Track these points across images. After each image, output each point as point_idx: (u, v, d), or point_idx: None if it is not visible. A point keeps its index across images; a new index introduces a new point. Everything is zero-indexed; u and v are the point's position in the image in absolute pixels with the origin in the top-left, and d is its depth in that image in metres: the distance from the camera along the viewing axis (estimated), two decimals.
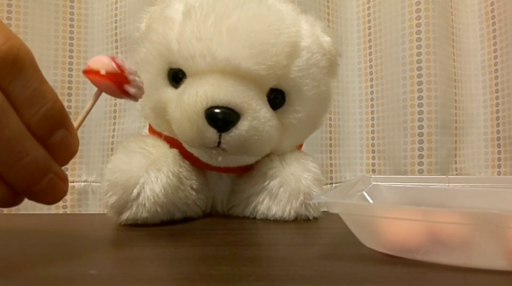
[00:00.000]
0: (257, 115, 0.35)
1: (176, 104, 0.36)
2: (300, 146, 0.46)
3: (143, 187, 0.34)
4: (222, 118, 0.34)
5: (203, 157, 0.37)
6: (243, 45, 0.34)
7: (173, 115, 0.36)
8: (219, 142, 0.34)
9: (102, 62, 0.27)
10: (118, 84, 0.27)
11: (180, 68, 0.37)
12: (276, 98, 0.38)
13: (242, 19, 0.35)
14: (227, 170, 0.40)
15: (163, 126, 0.40)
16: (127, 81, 0.27)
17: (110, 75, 0.27)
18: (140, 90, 0.29)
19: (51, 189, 0.24)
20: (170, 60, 0.38)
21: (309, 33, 0.39)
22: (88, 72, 0.27)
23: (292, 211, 0.38)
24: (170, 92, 0.38)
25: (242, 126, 0.34)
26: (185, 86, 0.36)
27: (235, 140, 0.34)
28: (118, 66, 0.27)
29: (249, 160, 0.39)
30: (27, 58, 0.22)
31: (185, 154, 0.39)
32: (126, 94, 0.28)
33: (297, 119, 0.39)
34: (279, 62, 0.36)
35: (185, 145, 0.38)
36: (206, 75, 0.35)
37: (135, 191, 0.34)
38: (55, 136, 0.23)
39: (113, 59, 0.27)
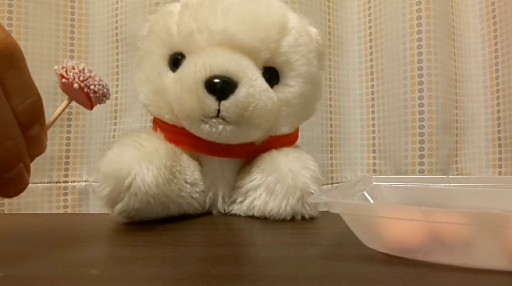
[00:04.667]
0: (253, 83, 0.37)
1: (176, 81, 0.38)
2: (296, 138, 0.47)
3: (135, 178, 0.34)
4: (221, 87, 0.36)
5: (204, 130, 0.37)
6: (237, 20, 0.38)
7: (174, 91, 0.38)
8: (219, 111, 0.36)
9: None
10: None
11: (180, 51, 0.40)
12: (271, 79, 0.40)
13: (235, 1, 0.39)
14: (227, 152, 0.41)
15: (164, 109, 0.41)
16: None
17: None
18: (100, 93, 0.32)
19: (18, 179, 0.25)
20: (171, 45, 0.41)
21: (296, 19, 0.42)
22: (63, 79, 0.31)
23: (288, 208, 0.38)
24: (170, 76, 0.40)
25: (240, 93, 0.36)
26: (183, 64, 0.39)
27: (234, 106, 0.36)
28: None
29: (249, 134, 0.39)
30: (21, 55, 0.24)
31: (184, 143, 0.40)
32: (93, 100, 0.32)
33: (292, 93, 0.41)
34: (271, 36, 0.39)
35: (185, 124, 0.39)
36: (204, 49, 0.38)
37: (126, 182, 0.34)
38: (33, 129, 0.25)
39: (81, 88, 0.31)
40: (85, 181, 0.66)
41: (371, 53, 0.68)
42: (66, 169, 0.65)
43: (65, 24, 0.65)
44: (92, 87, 0.31)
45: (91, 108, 0.33)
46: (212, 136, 0.38)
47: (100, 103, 0.33)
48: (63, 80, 0.31)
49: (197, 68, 0.36)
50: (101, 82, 0.32)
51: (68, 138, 0.65)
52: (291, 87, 0.41)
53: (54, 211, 0.63)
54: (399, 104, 0.62)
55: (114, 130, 0.65)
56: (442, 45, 0.61)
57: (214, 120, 0.37)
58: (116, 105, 0.65)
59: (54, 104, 0.63)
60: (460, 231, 0.22)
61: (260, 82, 0.38)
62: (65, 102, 0.32)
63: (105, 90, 0.32)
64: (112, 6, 0.65)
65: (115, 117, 0.65)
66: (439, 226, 0.23)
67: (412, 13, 0.61)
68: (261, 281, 0.21)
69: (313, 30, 0.44)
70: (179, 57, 0.40)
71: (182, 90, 0.37)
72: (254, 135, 0.40)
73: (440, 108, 0.60)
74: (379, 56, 0.66)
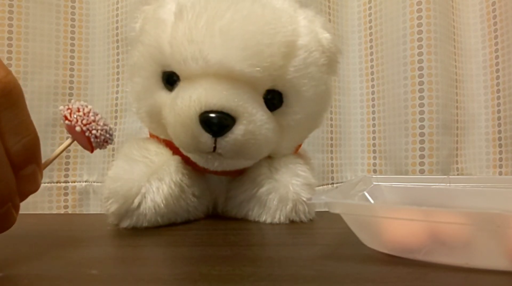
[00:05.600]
0: (253, 118, 0.34)
1: (170, 109, 0.35)
2: (299, 145, 0.45)
3: (145, 197, 0.34)
4: (217, 123, 0.33)
5: (200, 161, 0.36)
6: (236, 47, 0.33)
7: (168, 119, 0.36)
8: (215, 147, 0.34)
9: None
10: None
11: (174, 71, 0.36)
12: (274, 99, 0.37)
13: (235, 19, 0.34)
14: (225, 172, 0.40)
15: (158, 130, 0.39)
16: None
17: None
18: (103, 140, 0.32)
19: (5, 218, 0.24)
20: (163, 63, 0.37)
21: (307, 30, 0.38)
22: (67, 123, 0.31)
23: (282, 217, 0.38)
24: (164, 96, 0.37)
25: (238, 131, 0.33)
26: (178, 90, 0.36)
27: (231, 144, 0.34)
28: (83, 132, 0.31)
29: (246, 163, 0.38)
30: (20, 93, 0.24)
31: (186, 159, 0.38)
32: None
33: (295, 120, 0.38)
34: (275, 63, 0.35)
35: (181, 150, 0.37)
36: (199, 78, 0.34)
37: (136, 201, 0.34)
38: (27, 169, 0.25)
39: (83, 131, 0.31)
40: (85, 181, 0.66)
41: (371, 53, 0.68)
42: (67, 169, 0.65)
43: (65, 24, 0.65)
44: (94, 132, 0.31)
45: (91, 151, 0.33)
46: (208, 167, 0.36)
47: (100, 148, 0.33)
48: (66, 121, 0.31)
49: (191, 102, 0.33)
50: (104, 127, 0.32)
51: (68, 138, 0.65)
52: (295, 114, 0.38)
53: (54, 211, 0.63)
54: (400, 104, 0.62)
55: (115, 130, 0.65)
56: (443, 45, 0.61)
57: (210, 156, 0.35)
58: (116, 105, 0.65)
59: (54, 104, 0.63)
60: (460, 231, 0.22)
61: (261, 115, 0.35)
62: (67, 142, 0.32)
63: (107, 135, 0.32)
64: (112, 6, 0.65)
65: (116, 117, 0.65)
66: (440, 226, 0.23)
67: (413, 13, 0.61)
68: (261, 281, 0.21)
69: (325, 37, 0.39)
70: (174, 76, 0.37)
71: (176, 124, 0.34)
72: (252, 163, 0.39)
73: (440, 108, 0.60)
74: (379, 56, 0.66)
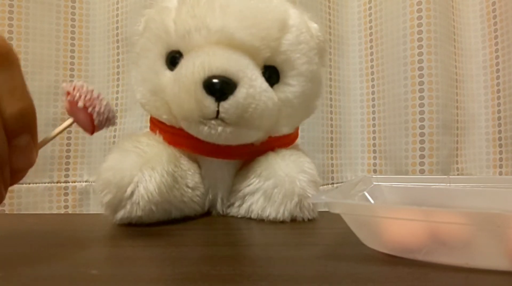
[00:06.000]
0: (253, 83, 0.36)
1: (174, 82, 0.37)
2: (296, 137, 0.46)
3: (137, 186, 0.34)
4: (220, 87, 0.35)
5: (203, 132, 0.37)
6: (236, 18, 0.36)
7: (172, 92, 0.37)
8: (218, 112, 0.35)
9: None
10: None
11: (178, 49, 0.39)
12: (271, 77, 0.39)
13: None
14: (226, 154, 0.40)
15: (162, 109, 0.40)
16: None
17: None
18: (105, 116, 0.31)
19: None
20: (168, 43, 0.39)
21: (297, 15, 0.41)
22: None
23: (286, 212, 0.38)
24: (168, 75, 0.39)
25: (240, 93, 0.35)
26: (181, 63, 0.38)
27: (234, 107, 0.35)
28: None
29: (249, 135, 0.39)
30: (17, 59, 0.23)
31: (182, 145, 0.39)
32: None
33: (293, 93, 0.40)
34: (271, 34, 0.38)
35: (183, 125, 0.38)
36: (202, 48, 0.37)
37: (129, 190, 0.34)
38: (20, 138, 0.23)
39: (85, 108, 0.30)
40: (85, 181, 0.66)
41: (371, 53, 0.68)
42: (67, 169, 0.65)
43: (65, 24, 0.65)
44: (97, 108, 0.30)
45: (91, 131, 0.31)
46: (211, 137, 0.37)
47: (101, 128, 0.31)
48: (69, 97, 0.29)
49: (195, 68, 0.35)
50: (107, 107, 0.31)
51: (69, 138, 0.65)
52: (291, 87, 0.40)
53: (55, 211, 0.63)
54: (400, 104, 0.62)
55: (115, 130, 0.65)
56: (443, 45, 0.61)
57: (213, 121, 0.36)
58: (116, 105, 0.65)
59: (54, 104, 0.63)
60: (460, 231, 0.22)
61: (260, 82, 0.37)
62: (67, 122, 0.30)
63: (110, 115, 0.31)
64: (112, 6, 0.65)
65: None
66: (440, 226, 0.23)
67: (413, 13, 0.61)
68: (261, 281, 0.21)
69: (313, 26, 0.43)
70: (177, 55, 0.39)
71: (180, 91, 0.36)
72: (254, 136, 0.40)
73: (440, 108, 0.60)
74: (379, 56, 0.66)
